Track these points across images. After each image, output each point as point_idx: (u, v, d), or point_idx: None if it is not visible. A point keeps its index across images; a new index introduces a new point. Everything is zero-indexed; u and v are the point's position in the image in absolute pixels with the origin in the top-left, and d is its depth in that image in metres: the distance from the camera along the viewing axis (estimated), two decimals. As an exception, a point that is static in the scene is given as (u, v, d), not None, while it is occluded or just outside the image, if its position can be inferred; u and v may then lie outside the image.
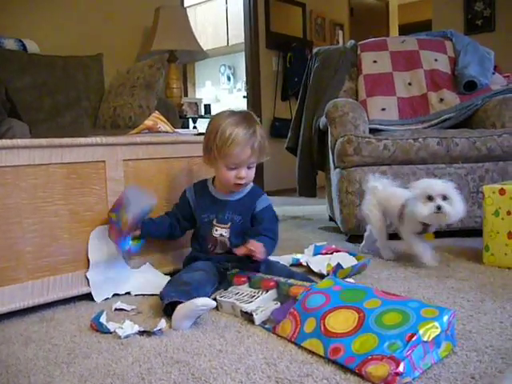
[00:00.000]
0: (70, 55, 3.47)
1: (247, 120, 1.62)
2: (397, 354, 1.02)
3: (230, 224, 1.70)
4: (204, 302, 1.35)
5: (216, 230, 1.70)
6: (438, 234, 2.49)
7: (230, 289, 1.59)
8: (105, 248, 1.71)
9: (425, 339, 1.06)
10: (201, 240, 1.73)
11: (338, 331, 1.16)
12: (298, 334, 1.24)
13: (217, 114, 1.72)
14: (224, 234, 1.69)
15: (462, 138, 2.45)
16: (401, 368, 1.00)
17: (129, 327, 1.36)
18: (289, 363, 1.13)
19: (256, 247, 1.56)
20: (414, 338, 1.05)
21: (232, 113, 1.66)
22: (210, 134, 1.63)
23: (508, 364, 1.09)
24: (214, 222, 1.70)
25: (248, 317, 1.41)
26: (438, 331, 1.09)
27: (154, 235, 1.76)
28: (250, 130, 1.60)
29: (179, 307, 1.37)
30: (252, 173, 1.67)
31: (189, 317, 1.37)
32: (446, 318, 1.12)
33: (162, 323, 1.36)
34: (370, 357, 1.05)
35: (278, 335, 1.29)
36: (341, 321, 1.18)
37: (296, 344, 1.23)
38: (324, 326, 1.19)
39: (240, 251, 1.58)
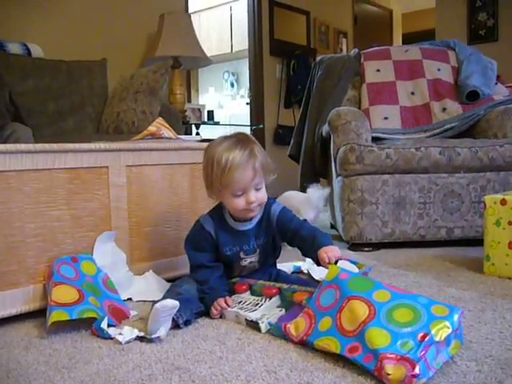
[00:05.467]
0: (74, 60, 3.49)
1: (241, 141, 1.52)
2: (411, 355, 1.03)
3: (258, 250, 1.66)
4: (162, 304, 1.32)
5: (245, 261, 1.66)
6: (440, 244, 2.50)
7: (232, 297, 1.57)
8: (109, 253, 1.71)
9: (437, 339, 1.07)
10: (224, 267, 1.66)
11: (351, 328, 1.15)
12: (312, 331, 1.23)
13: (209, 145, 1.60)
14: (253, 260, 1.66)
15: (463, 148, 2.46)
16: (417, 370, 1.01)
17: (128, 332, 1.36)
18: (289, 371, 1.13)
19: (332, 251, 1.50)
20: (426, 339, 1.05)
21: (224, 138, 1.56)
22: (207, 167, 1.55)
23: (507, 374, 1.08)
24: (242, 255, 1.64)
25: (254, 325, 1.40)
26: (449, 331, 1.10)
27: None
28: (246, 150, 1.49)
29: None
30: (262, 194, 1.56)
31: (156, 321, 1.34)
32: (456, 317, 1.13)
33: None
34: (384, 353, 1.05)
35: (288, 333, 1.28)
36: (353, 316, 1.17)
37: (308, 343, 1.23)
38: (340, 323, 1.19)
39: (325, 262, 1.47)
